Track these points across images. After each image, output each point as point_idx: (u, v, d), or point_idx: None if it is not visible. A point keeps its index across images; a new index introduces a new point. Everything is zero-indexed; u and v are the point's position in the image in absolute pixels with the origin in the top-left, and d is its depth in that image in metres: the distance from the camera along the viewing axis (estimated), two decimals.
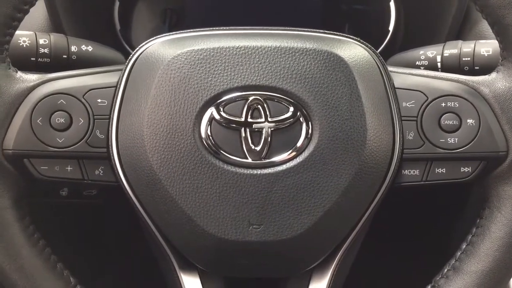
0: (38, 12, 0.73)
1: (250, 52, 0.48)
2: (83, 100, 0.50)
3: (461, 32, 0.74)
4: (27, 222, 0.52)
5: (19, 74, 0.50)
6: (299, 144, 0.48)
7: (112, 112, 0.50)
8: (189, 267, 0.53)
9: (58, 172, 0.50)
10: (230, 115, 0.48)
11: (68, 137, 0.50)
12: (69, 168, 0.50)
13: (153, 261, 0.58)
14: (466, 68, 0.61)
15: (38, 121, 0.49)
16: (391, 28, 0.80)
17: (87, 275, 0.59)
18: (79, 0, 0.74)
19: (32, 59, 0.59)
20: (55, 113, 0.50)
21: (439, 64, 0.62)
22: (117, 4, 0.80)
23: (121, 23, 0.80)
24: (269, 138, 0.48)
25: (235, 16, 0.81)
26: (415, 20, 0.79)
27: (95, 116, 0.50)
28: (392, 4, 0.80)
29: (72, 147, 0.50)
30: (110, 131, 0.50)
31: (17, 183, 0.51)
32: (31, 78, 0.50)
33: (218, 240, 0.48)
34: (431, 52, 0.62)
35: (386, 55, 0.62)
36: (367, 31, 0.81)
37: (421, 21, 0.78)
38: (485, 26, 0.71)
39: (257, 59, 0.48)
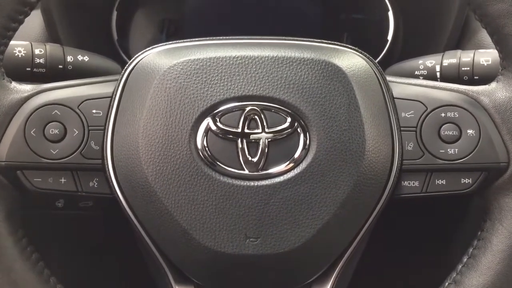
0: (34, 22, 0.73)
1: (247, 62, 0.47)
2: (77, 111, 0.49)
3: (460, 41, 0.74)
4: (20, 235, 0.51)
5: (13, 84, 0.50)
6: (296, 155, 0.47)
7: (107, 123, 0.49)
8: (185, 281, 0.52)
9: (51, 184, 0.50)
10: (226, 125, 0.47)
11: (62, 148, 0.49)
12: (63, 180, 0.50)
13: (149, 275, 0.57)
14: (466, 78, 0.60)
15: (32, 132, 0.49)
16: (389, 37, 0.80)
17: None
18: (76, 10, 0.74)
19: (27, 69, 0.59)
20: (49, 124, 0.49)
21: (438, 74, 0.62)
22: (114, 14, 0.80)
23: (118, 33, 0.80)
24: (266, 149, 0.47)
25: (234, 26, 0.81)
26: (414, 29, 0.79)
27: (90, 127, 0.49)
28: (390, 14, 0.80)
29: (66, 159, 0.49)
30: (105, 142, 0.49)
31: (10, 196, 0.50)
32: (25, 88, 0.50)
33: (214, 254, 0.47)
34: (430, 61, 0.62)
35: (384, 65, 0.62)
36: (366, 40, 0.81)
37: (420, 31, 0.78)
38: (484, 35, 0.71)
39: (254, 69, 0.47)
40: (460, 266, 0.52)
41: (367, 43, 0.80)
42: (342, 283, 0.54)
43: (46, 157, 0.49)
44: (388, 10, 0.80)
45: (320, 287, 0.53)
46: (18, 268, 0.50)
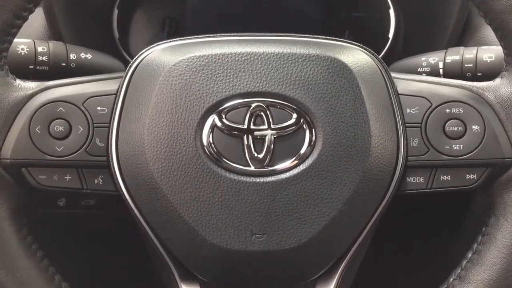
0: (37, 20, 0.73)
1: (252, 58, 0.47)
2: (82, 108, 0.49)
3: (462, 38, 0.74)
4: (25, 233, 0.51)
5: (18, 81, 0.50)
6: (302, 151, 0.47)
7: (112, 120, 0.49)
8: (190, 278, 0.52)
9: (56, 182, 0.49)
10: (232, 122, 0.47)
11: (67, 145, 0.49)
12: (68, 177, 0.49)
13: (153, 272, 0.57)
14: (469, 75, 0.61)
15: (36, 129, 0.48)
16: (390, 35, 0.80)
17: (85, 286, 0.58)
18: (78, 8, 0.74)
19: (30, 67, 0.59)
20: (54, 121, 0.49)
21: (441, 71, 0.62)
22: (116, 12, 0.80)
23: (120, 32, 0.80)
24: (272, 145, 0.47)
25: (235, 25, 0.81)
26: (415, 27, 0.79)
27: (94, 124, 0.49)
28: (391, 12, 0.79)
29: (71, 156, 0.49)
30: (110, 139, 0.49)
31: (15, 193, 0.50)
32: (30, 85, 0.50)
33: (220, 250, 0.47)
34: (433, 58, 0.62)
35: (386, 62, 0.62)
36: (367, 38, 0.80)
37: (421, 29, 0.78)
38: (486, 32, 0.71)
39: (260, 65, 0.47)
40: (465, 262, 0.52)
41: (368, 41, 0.79)
42: (347, 280, 0.54)
43: (51, 154, 0.49)
44: (389, 8, 0.79)
45: (325, 283, 0.53)
46: (23, 266, 0.49)
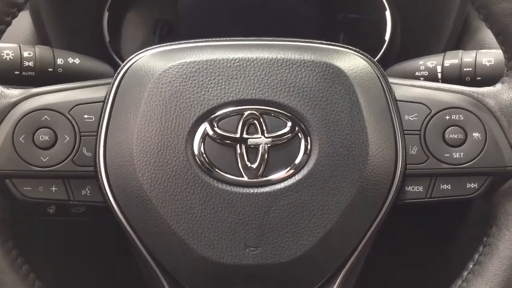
0: (23, 24, 0.71)
1: (245, 65, 0.46)
2: (68, 116, 0.48)
3: (461, 40, 0.73)
4: (10, 246, 0.49)
5: (1, 89, 0.48)
6: (297, 161, 0.46)
7: (99, 128, 0.48)
8: None
9: (42, 193, 0.48)
10: (224, 131, 0.46)
11: (53, 155, 0.47)
12: (54, 189, 0.48)
13: (144, 285, 0.55)
14: (468, 79, 0.59)
15: (20, 139, 0.47)
16: (387, 37, 0.79)
17: None
18: (66, 11, 0.73)
19: (16, 72, 0.57)
20: (39, 130, 0.47)
21: (439, 75, 0.60)
22: (106, 14, 0.78)
23: (110, 34, 0.79)
24: (266, 155, 0.46)
25: (228, 27, 0.80)
26: (412, 29, 0.78)
27: (81, 133, 0.48)
28: (388, 13, 0.78)
29: (57, 166, 0.47)
30: (97, 149, 0.48)
31: None
32: (14, 93, 0.48)
33: (212, 264, 0.46)
34: (431, 62, 0.61)
35: (382, 65, 0.60)
36: (363, 40, 0.80)
37: (418, 31, 0.77)
38: (484, 35, 0.70)
39: (253, 72, 0.46)
40: (466, 273, 0.51)
41: (364, 43, 0.79)
42: None
43: (36, 164, 0.47)
44: (386, 10, 0.79)
45: None
46: (8, 281, 0.48)
